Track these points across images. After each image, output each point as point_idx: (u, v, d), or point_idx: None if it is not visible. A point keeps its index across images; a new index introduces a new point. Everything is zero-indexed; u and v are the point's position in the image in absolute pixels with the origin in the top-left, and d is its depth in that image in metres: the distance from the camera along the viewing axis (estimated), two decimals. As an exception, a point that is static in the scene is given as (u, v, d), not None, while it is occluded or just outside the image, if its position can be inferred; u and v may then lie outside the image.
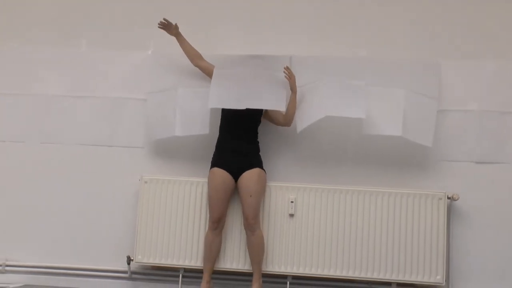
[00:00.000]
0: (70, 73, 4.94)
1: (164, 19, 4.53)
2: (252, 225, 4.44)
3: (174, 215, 4.64)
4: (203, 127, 4.60)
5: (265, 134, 4.68)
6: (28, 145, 4.92)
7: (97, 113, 4.90)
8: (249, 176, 4.45)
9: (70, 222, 4.82)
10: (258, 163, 4.51)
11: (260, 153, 4.56)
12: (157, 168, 4.79)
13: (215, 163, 4.50)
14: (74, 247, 4.81)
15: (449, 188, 4.61)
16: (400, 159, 4.73)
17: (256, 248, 4.46)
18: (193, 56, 4.63)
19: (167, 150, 4.82)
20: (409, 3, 4.88)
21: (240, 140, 4.50)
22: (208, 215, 4.56)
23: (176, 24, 4.56)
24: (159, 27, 4.56)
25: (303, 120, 4.57)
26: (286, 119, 4.60)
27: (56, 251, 4.82)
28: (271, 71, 4.63)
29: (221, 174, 4.46)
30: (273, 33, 4.89)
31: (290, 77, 4.51)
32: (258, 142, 4.58)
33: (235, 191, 4.52)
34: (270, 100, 4.50)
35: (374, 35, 4.85)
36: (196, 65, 4.64)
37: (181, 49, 4.64)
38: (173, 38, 4.62)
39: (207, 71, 4.62)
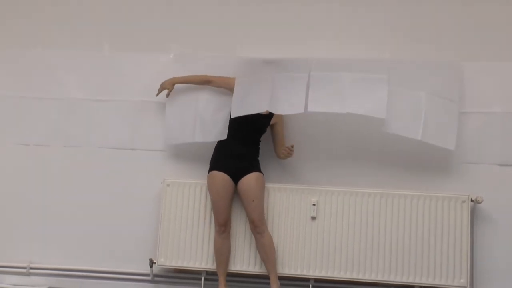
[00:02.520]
0: (93, 76, 4.97)
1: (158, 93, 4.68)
2: (260, 228, 4.46)
3: (197, 218, 4.65)
4: (222, 133, 4.56)
5: (287, 136, 4.69)
6: (51, 149, 4.94)
7: (119, 116, 4.91)
8: (248, 182, 4.46)
9: (93, 225, 4.84)
10: (255, 167, 4.51)
11: (259, 157, 4.57)
12: (179, 171, 4.80)
13: (214, 166, 4.52)
14: (97, 250, 4.84)
15: (472, 190, 4.57)
16: (423, 162, 4.69)
17: (268, 249, 4.47)
18: (201, 82, 4.66)
19: (189, 153, 4.82)
20: (432, 4, 4.85)
21: (241, 145, 4.50)
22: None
23: (165, 84, 4.65)
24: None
25: (317, 103, 4.46)
26: (278, 154, 4.62)
27: (79, 253, 4.84)
28: (291, 73, 4.59)
29: (221, 177, 4.47)
30: (294, 36, 4.87)
31: (286, 156, 4.52)
32: (259, 148, 4.58)
33: (236, 192, 4.53)
34: (288, 105, 4.49)
35: (396, 37, 4.82)
36: (211, 86, 4.67)
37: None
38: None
39: (223, 86, 4.62)
